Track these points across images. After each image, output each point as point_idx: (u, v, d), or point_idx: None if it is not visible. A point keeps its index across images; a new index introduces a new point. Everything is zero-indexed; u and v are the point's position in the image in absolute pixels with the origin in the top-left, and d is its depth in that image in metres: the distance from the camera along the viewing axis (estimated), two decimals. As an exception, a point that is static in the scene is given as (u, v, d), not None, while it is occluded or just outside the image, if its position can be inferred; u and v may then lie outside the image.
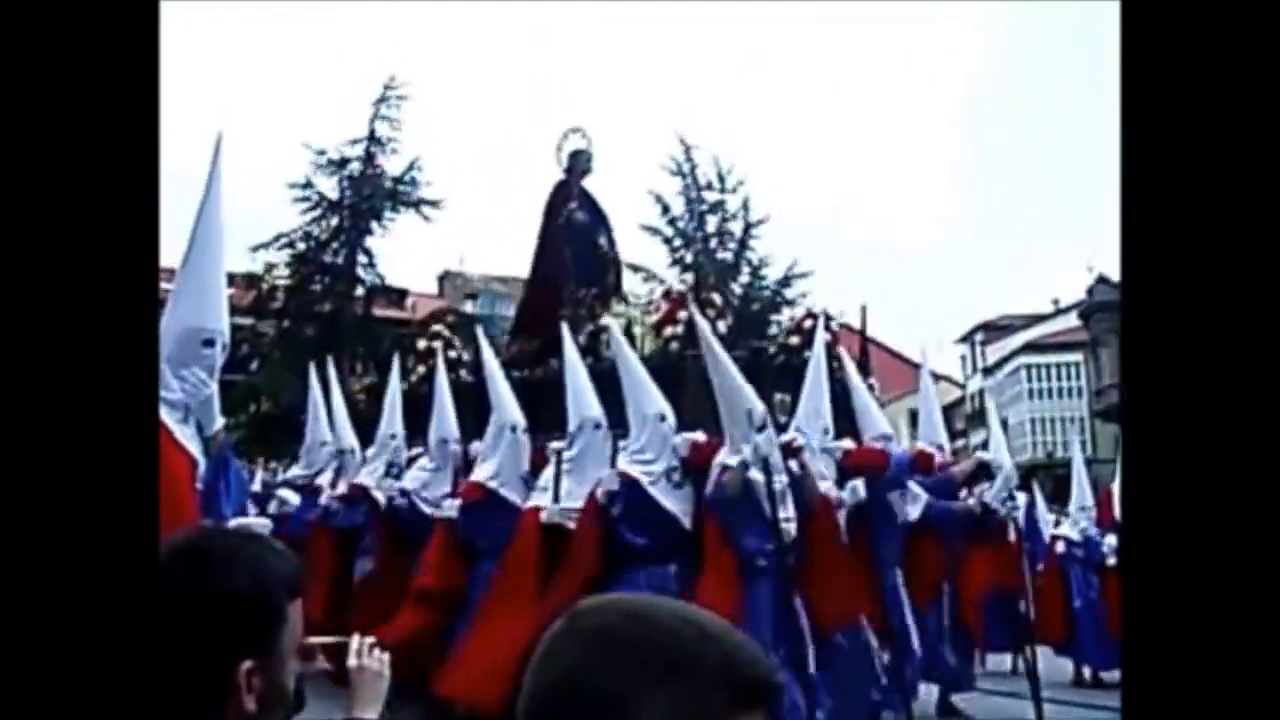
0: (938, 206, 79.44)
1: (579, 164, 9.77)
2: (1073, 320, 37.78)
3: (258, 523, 4.92)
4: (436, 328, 9.49)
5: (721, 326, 8.25)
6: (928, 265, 76.97)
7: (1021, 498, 9.82)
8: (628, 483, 5.58)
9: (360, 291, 21.69)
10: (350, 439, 7.83)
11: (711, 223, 23.66)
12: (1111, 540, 9.31)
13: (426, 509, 6.76)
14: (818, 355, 6.65)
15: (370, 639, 1.82)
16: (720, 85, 76.82)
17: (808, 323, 8.54)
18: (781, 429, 6.29)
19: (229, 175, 4.06)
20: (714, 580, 5.28)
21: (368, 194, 21.41)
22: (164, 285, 2.47)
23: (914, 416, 10.33)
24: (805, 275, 23.16)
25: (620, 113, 69.88)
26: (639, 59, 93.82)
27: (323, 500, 7.68)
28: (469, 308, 26.54)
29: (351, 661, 1.78)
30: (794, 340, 8.96)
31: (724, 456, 5.41)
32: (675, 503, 5.59)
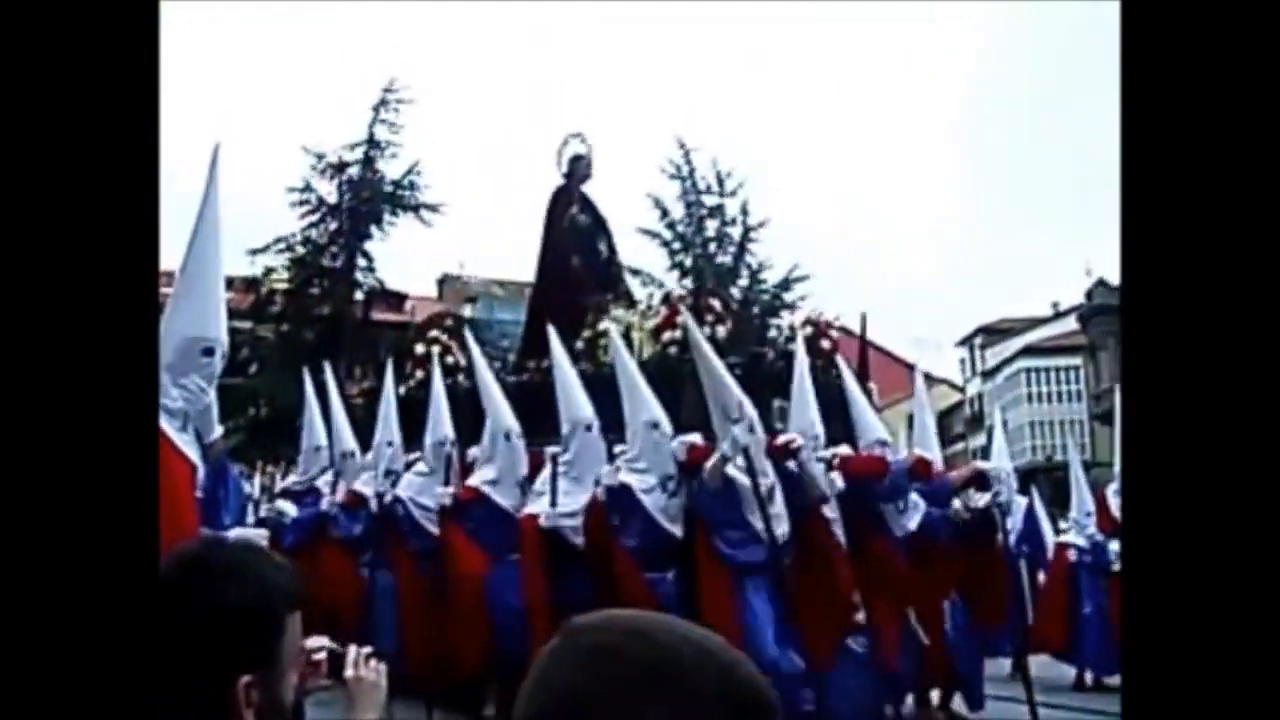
0: (937, 208, 79.54)
1: (579, 169, 9.77)
2: (1071, 324, 37.87)
3: (255, 533, 4.92)
4: (434, 332, 9.46)
5: (721, 332, 8.25)
6: (927, 268, 77.15)
7: (1021, 501, 9.78)
8: (621, 490, 5.60)
9: (359, 295, 21.71)
10: (350, 442, 7.82)
11: (711, 226, 23.67)
12: (1116, 546, 9.30)
13: (419, 514, 6.76)
14: (800, 365, 6.61)
15: (366, 649, 1.80)
16: (720, 86, 76.76)
17: (805, 330, 8.54)
18: (777, 436, 6.33)
19: (227, 178, 4.08)
20: (709, 587, 5.31)
21: (367, 197, 21.43)
22: (162, 289, 2.47)
23: (912, 421, 10.31)
24: (804, 279, 23.20)
25: (620, 115, 69.85)
26: (639, 60, 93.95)
27: (324, 506, 7.67)
28: (468, 312, 26.52)
29: (349, 672, 1.77)
30: (794, 346, 8.95)
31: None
32: (668, 512, 5.62)
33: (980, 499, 7.19)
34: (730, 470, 5.42)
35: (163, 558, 1.42)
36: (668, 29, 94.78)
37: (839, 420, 6.86)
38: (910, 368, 11.71)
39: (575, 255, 9.59)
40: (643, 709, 0.85)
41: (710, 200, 23.78)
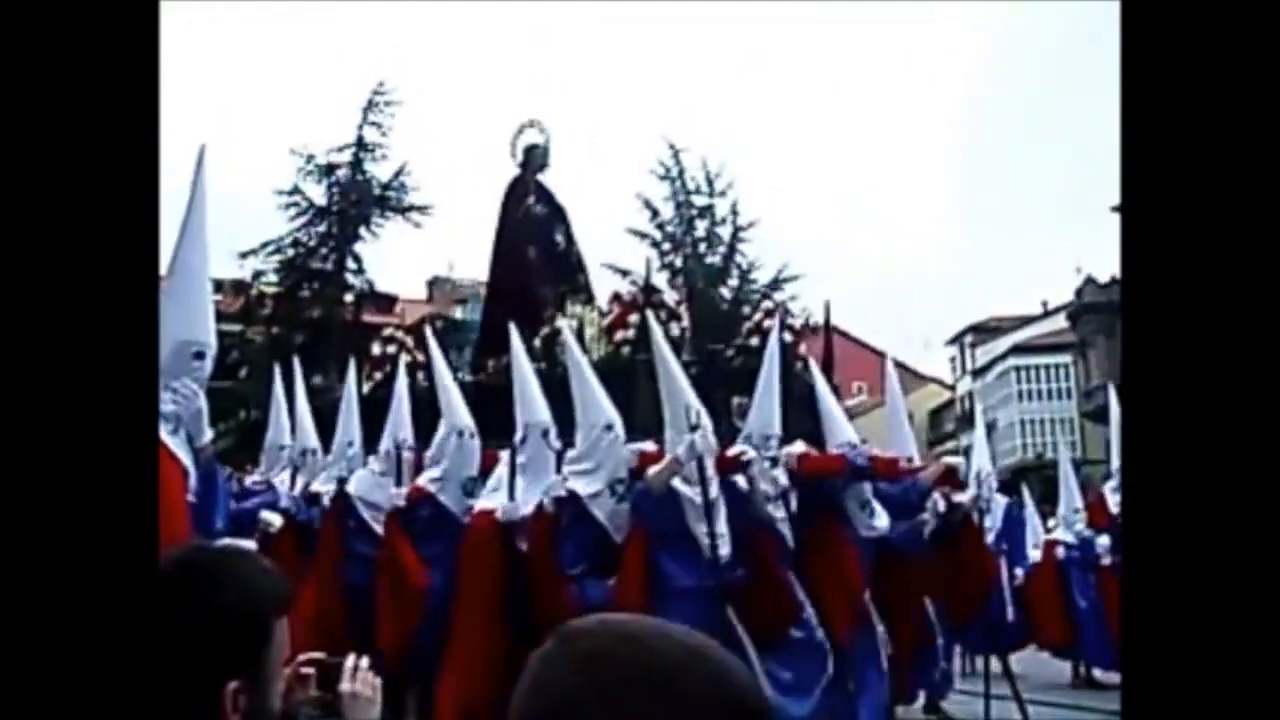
0: (929, 208, 79.82)
1: (535, 159, 9.62)
2: (1061, 322, 38.00)
3: (243, 541, 4.89)
4: (388, 332, 9.38)
5: (675, 329, 8.13)
6: (918, 266, 77.35)
7: (1001, 500, 9.61)
8: (569, 497, 5.45)
9: (349, 298, 21.65)
10: (312, 440, 7.71)
11: (701, 227, 23.68)
12: (1104, 540, 9.33)
13: (367, 514, 6.67)
14: (771, 357, 6.33)
15: (364, 660, 1.77)
16: (718, 86, 77.01)
17: (767, 322, 8.40)
18: (736, 432, 6.16)
19: (215, 180, 4.08)
20: (624, 597, 5.03)
21: (356, 200, 21.39)
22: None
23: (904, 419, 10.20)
24: (794, 279, 23.21)
25: (616, 116, 69.95)
26: (633, 61, 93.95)
27: (283, 502, 7.56)
28: (459, 313, 26.48)
29: (344, 686, 1.73)
30: (754, 341, 8.81)
31: None
32: (615, 519, 5.43)
33: (962, 497, 7.10)
34: (676, 481, 5.23)
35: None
36: (666, 29, 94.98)
37: (809, 420, 6.69)
38: (903, 367, 11.59)
39: (531, 246, 9.47)
40: (636, 714, 0.85)
41: (700, 200, 23.81)
